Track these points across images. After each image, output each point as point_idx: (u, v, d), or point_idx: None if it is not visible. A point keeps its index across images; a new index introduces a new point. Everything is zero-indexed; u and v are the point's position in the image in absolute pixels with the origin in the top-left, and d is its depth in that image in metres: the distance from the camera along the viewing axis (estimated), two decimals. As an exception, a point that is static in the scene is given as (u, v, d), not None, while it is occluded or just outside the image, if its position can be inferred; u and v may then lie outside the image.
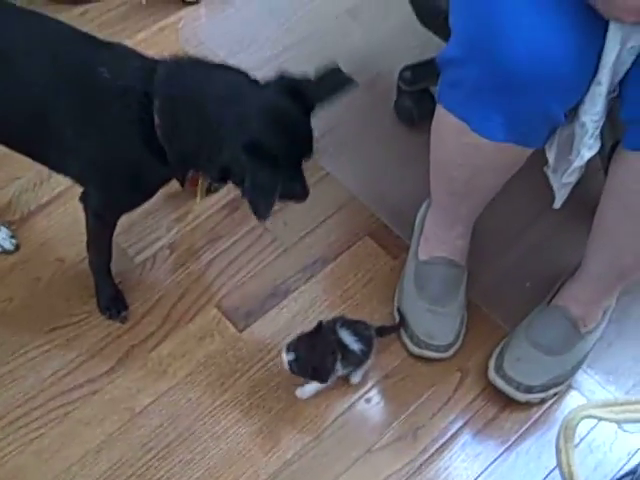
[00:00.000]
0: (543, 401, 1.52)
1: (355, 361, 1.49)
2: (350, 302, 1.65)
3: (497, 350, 1.55)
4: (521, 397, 1.51)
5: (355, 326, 1.50)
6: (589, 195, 1.48)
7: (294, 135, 1.27)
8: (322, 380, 1.46)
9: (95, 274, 1.60)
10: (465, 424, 1.52)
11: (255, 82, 1.28)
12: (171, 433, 1.50)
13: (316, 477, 1.46)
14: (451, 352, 1.56)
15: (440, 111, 1.35)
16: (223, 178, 1.28)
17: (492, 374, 1.52)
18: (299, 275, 1.68)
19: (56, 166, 1.46)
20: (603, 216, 1.40)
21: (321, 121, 1.88)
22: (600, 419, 0.83)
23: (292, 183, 1.31)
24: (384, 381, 1.56)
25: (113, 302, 1.61)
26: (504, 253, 1.71)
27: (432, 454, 1.49)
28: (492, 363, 1.54)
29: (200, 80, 1.26)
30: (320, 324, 1.47)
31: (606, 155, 1.41)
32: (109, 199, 1.45)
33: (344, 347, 1.47)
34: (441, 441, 1.50)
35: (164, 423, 1.51)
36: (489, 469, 1.48)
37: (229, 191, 1.74)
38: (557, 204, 1.43)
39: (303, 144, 1.30)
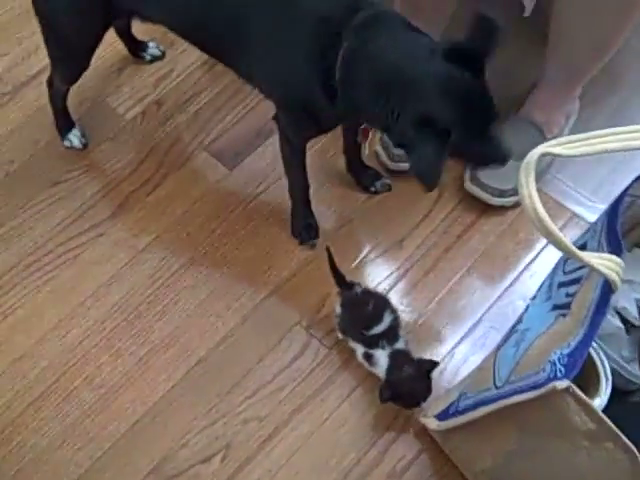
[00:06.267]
0: (517, 204, 1.62)
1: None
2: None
3: (471, 162, 1.65)
4: (496, 201, 1.62)
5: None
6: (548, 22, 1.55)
7: (471, 104, 1.21)
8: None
9: (292, 199, 1.60)
10: (445, 232, 1.63)
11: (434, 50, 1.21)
12: (174, 264, 1.61)
13: (314, 288, 1.57)
14: (427, 167, 1.65)
15: None
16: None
17: (467, 183, 1.63)
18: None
19: (245, 76, 1.46)
20: (558, 15, 1.48)
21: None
22: (559, 156, 0.94)
23: (485, 149, 1.28)
24: (368, 200, 1.67)
25: (306, 229, 1.62)
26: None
27: (417, 260, 1.60)
28: (467, 174, 1.64)
29: (388, 39, 1.22)
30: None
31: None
32: (290, 121, 1.44)
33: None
34: (424, 248, 1.61)
35: (167, 256, 1.62)
36: (471, 265, 1.59)
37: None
38: (527, 12, 1.51)
39: (483, 110, 1.23)
